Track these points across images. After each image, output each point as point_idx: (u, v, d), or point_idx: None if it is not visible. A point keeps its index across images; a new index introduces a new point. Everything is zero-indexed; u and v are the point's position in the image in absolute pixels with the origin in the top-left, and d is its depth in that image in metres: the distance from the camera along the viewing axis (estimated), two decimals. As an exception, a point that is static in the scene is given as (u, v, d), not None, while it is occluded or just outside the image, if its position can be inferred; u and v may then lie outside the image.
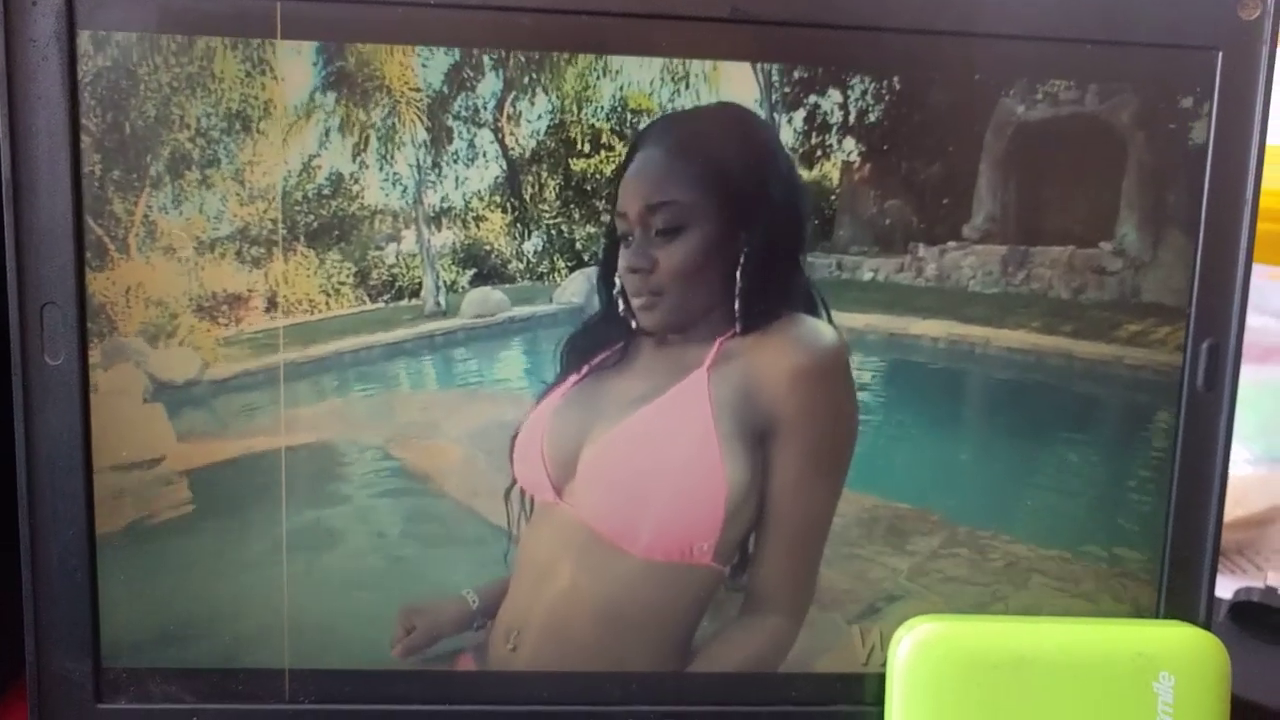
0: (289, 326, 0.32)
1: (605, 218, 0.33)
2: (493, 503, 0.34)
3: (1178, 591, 0.34)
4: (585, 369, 0.34)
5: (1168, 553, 0.34)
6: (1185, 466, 0.34)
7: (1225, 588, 0.42)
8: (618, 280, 0.33)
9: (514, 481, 0.34)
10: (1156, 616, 0.35)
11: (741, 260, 0.33)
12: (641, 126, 0.32)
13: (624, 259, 0.33)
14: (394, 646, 0.33)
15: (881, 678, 0.34)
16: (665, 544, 0.34)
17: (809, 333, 0.33)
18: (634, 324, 0.33)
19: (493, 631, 0.34)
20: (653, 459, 0.33)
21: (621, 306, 0.33)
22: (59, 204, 0.31)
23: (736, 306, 0.33)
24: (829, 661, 0.34)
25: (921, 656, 0.33)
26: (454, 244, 0.32)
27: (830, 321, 0.33)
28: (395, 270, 0.32)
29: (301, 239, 0.32)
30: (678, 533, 0.33)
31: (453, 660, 0.34)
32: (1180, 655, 0.33)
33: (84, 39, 0.30)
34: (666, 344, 0.34)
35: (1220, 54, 0.32)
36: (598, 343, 0.33)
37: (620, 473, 0.33)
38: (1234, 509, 0.49)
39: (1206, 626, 0.34)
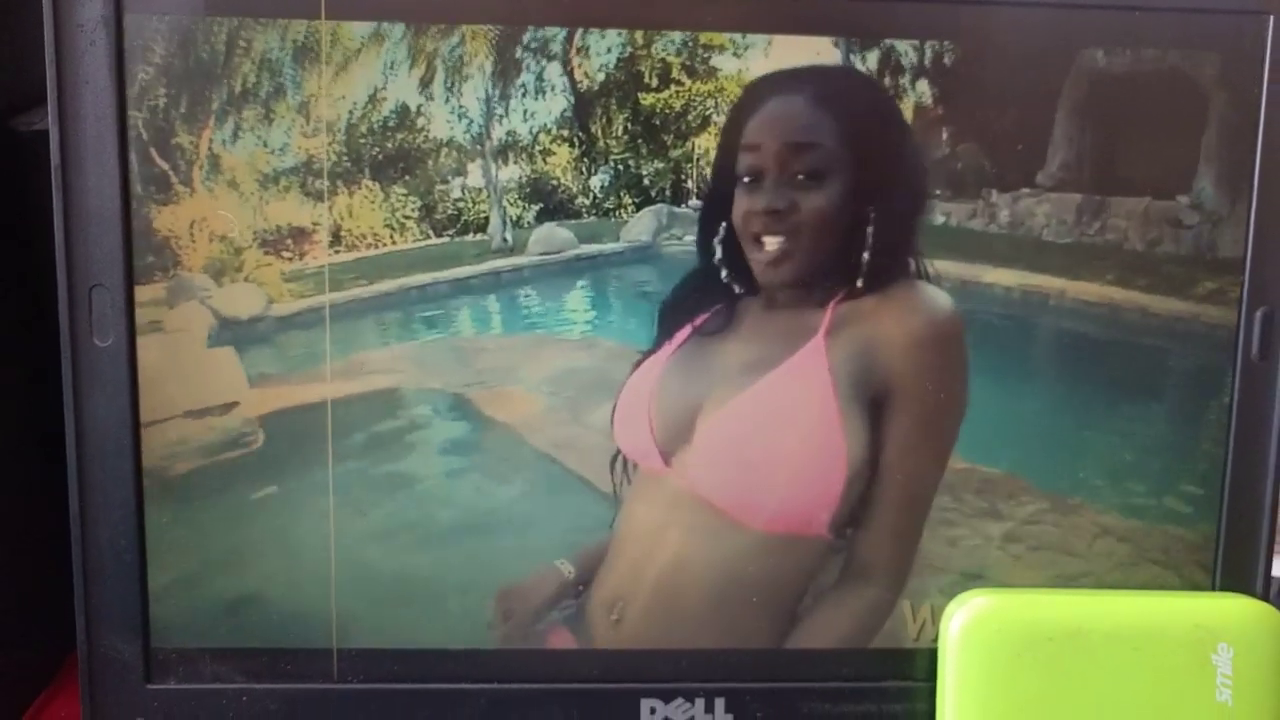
0: (354, 261, 0.32)
1: (675, 153, 0.32)
2: (578, 456, 0.33)
3: (1234, 564, 0.34)
4: (688, 331, 0.33)
5: (1224, 525, 0.34)
6: (1240, 438, 0.33)
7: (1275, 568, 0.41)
8: (718, 246, 0.32)
9: (618, 451, 0.33)
10: (1213, 589, 0.34)
11: (872, 216, 0.32)
12: (714, 63, 0.31)
13: (751, 200, 0.32)
14: (492, 629, 0.33)
15: (933, 653, 0.33)
16: (786, 517, 0.33)
17: (928, 299, 0.33)
18: (746, 282, 0.32)
19: (591, 602, 0.33)
20: (772, 431, 0.33)
21: (724, 272, 0.33)
22: (107, 187, 0.31)
23: (865, 261, 0.32)
24: (880, 637, 0.34)
25: (974, 630, 0.32)
26: (520, 179, 0.32)
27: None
28: (461, 205, 0.32)
29: (366, 172, 0.31)
30: (799, 506, 0.33)
31: (546, 633, 0.34)
32: (1238, 626, 0.32)
33: (132, 22, 0.30)
34: (775, 306, 0.33)
35: (1271, 19, 0.32)
36: (698, 305, 0.33)
37: (739, 445, 0.33)
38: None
39: (1264, 598, 0.34)
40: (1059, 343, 0.33)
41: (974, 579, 0.34)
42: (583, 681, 0.33)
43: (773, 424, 0.33)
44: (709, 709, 0.34)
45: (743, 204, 0.32)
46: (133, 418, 0.32)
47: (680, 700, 0.34)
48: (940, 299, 0.33)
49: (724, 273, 0.33)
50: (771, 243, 0.32)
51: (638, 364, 0.33)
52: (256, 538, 0.32)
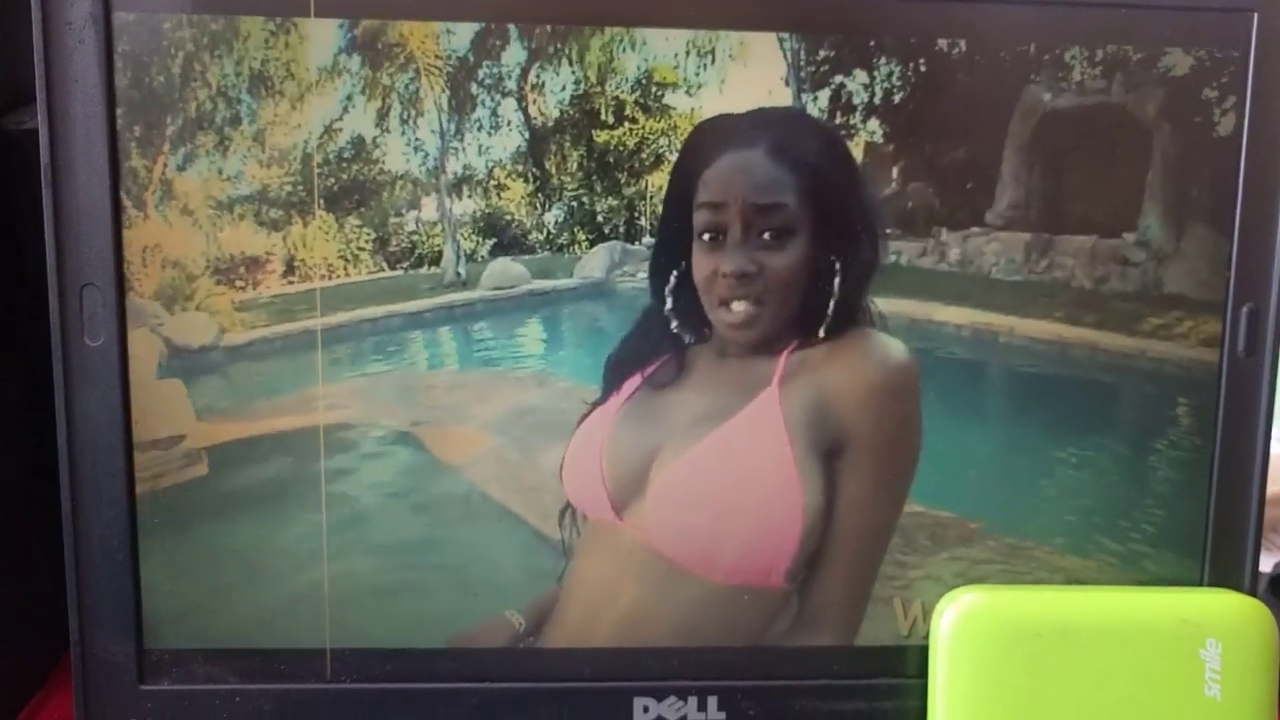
0: (306, 292, 0.32)
1: (629, 191, 0.32)
2: (525, 501, 0.33)
3: (1222, 560, 0.34)
4: (638, 380, 0.33)
5: (1211, 520, 0.34)
6: (1228, 433, 0.34)
7: (1262, 563, 0.42)
8: (669, 296, 0.33)
9: (567, 503, 0.33)
10: (1201, 585, 0.34)
11: (838, 268, 0.32)
12: (666, 100, 0.32)
13: (716, 261, 0.32)
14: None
15: (924, 649, 0.33)
16: (745, 569, 0.33)
17: (882, 347, 0.33)
18: (698, 332, 0.33)
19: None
20: (728, 482, 0.33)
21: (674, 322, 0.33)
22: (97, 186, 0.31)
23: (830, 313, 0.32)
24: (871, 635, 0.34)
25: (965, 627, 0.32)
26: (475, 213, 0.32)
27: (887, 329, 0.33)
28: (415, 237, 0.32)
29: (321, 203, 0.32)
30: (757, 557, 0.33)
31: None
32: (1227, 622, 0.32)
33: (120, 21, 0.30)
34: (727, 355, 0.33)
35: (1255, 15, 0.32)
36: (648, 354, 0.33)
37: (695, 497, 0.33)
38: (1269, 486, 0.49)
39: (1252, 594, 0.34)
40: (1009, 381, 0.34)
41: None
42: (575, 680, 0.34)
43: (728, 475, 0.33)
44: (701, 707, 0.34)
45: (705, 264, 0.32)
46: (124, 416, 0.31)
47: (673, 698, 0.34)
48: (894, 347, 0.33)
49: (674, 323, 0.33)
50: (739, 306, 0.32)
51: (586, 415, 0.33)
52: (245, 540, 0.32)
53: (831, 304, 0.32)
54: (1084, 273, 0.33)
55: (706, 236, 0.32)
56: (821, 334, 0.33)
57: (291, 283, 0.32)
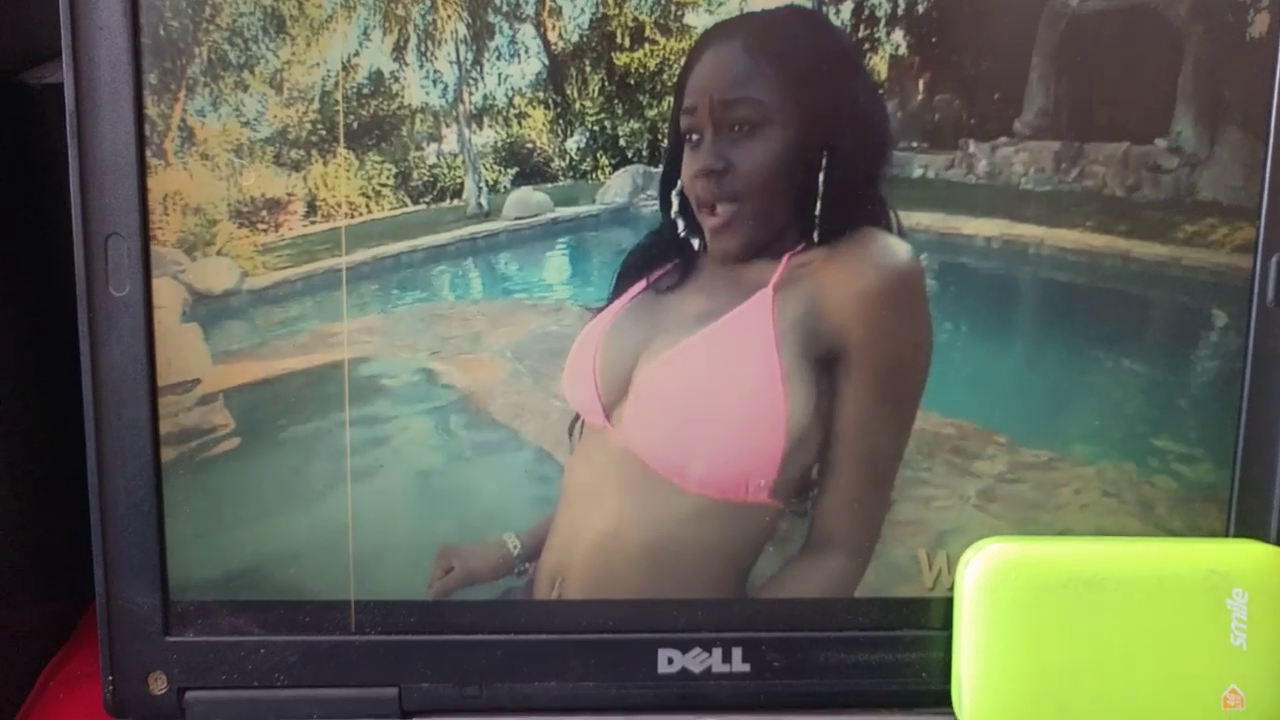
0: (329, 231, 0.32)
1: (651, 113, 0.32)
2: (537, 423, 0.33)
3: (1248, 510, 0.34)
4: (643, 284, 0.33)
5: (1238, 471, 0.34)
6: (1255, 382, 0.33)
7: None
8: (675, 199, 0.32)
9: (577, 415, 0.33)
10: (1227, 535, 0.34)
11: (824, 165, 0.31)
12: (687, 20, 0.31)
13: (692, 162, 0.32)
14: (430, 586, 0.33)
15: (949, 601, 0.33)
16: (719, 480, 0.32)
17: (883, 249, 0.32)
18: (696, 245, 0.32)
19: (536, 576, 0.33)
20: (709, 385, 0.32)
21: (681, 226, 0.32)
22: (122, 135, 0.31)
23: (817, 213, 0.32)
24: (895, 586, 0.34)
25: (991, 578, 0.32)
26: (495, 143, 0.32)
27: (903, 236, 0.32)
28: (437, 171, 0.32)
29: (341, 140, 0.31)
30: (733, 468, 0.32)
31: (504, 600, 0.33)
32: (1253, 571, 0.32)
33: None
34: (730, 260, 0.32)
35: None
36: (655, 259, 0.32)
37: (673, 398, 0.32)
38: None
39: (1278, 544, 0.34)
40: (1039, 293, 0.33)
41: (944, 542, 0.33)
42: (599, 632, 0.34)
43: (709, 377, 0.32)
44: (726, 658, 0.34)
45: (688, 169, 0.32)
46: (149, 367, 0.31)
47: (697, 650, 0.34)
48: (898, 249, 0.32)
49: (680, 227, 0.32)
50: (721, 209, 0.32)
51: (591, 316, 0.32)
52: (268, 486, 0.32)
53: (818, 203, 0.32)
54: (1115, 181, 0.32)
55: (690, 140, 0.32)
56: (816, 236, 0.32)
57: (314, 223, 0.32)
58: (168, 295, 0.31)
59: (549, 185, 0.32)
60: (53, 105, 0.31)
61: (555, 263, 0.33)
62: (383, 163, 0.32)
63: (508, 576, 0.33)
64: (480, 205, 0.32)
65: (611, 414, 0.33)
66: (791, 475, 0.33)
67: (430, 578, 0.33)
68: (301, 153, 0.31)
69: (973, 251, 0.33)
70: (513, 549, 0.33)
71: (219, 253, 0.32)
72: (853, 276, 0.32)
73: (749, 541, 0.33)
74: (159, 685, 0.33)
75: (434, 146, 0.32)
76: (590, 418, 0.33)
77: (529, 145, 0.32)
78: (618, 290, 0.33)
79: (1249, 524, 0.34)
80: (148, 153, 0.31)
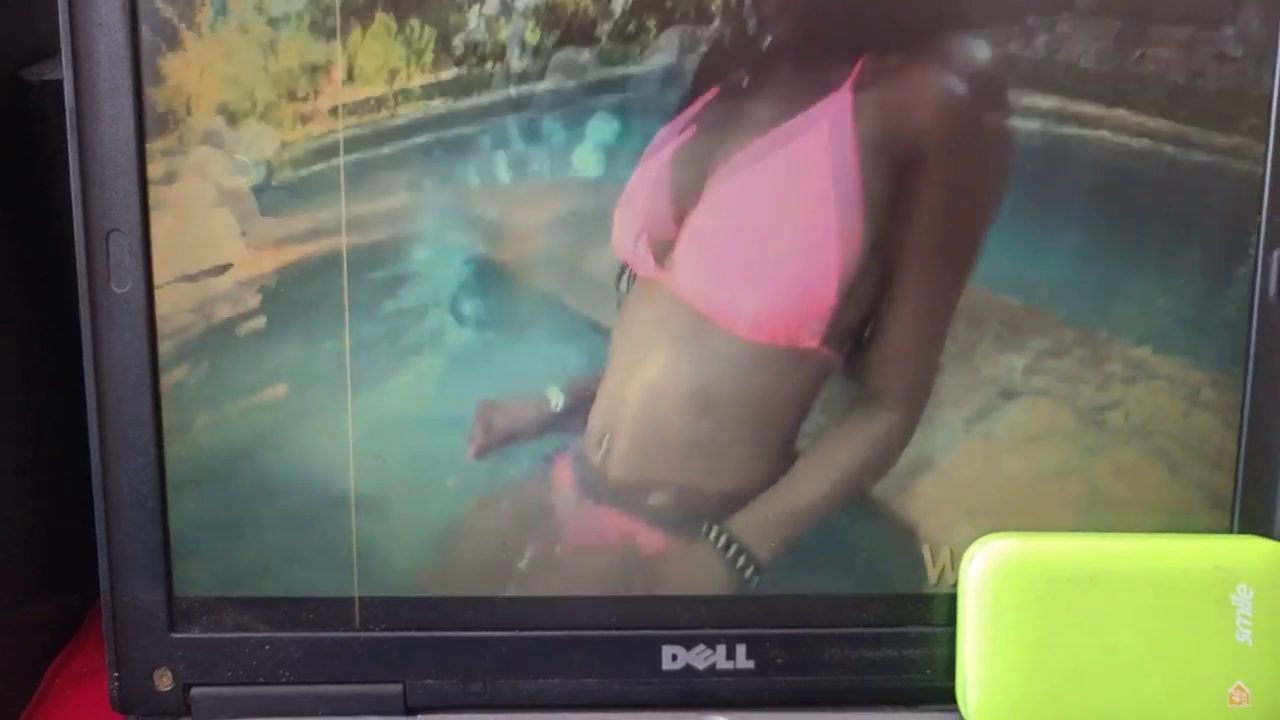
0: (368, 99, 0.31)
1: None
2: (579, 289, 0.31)
3: (1252, 506, 0.34)
4: (699, 107, 0.30)
5: (1242, 465, 0.34)
6: (1258, 377, 0.33)
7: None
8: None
9: (624, 266, 0.31)
10: (1231, 531, 0.34)
11: None
12: None
13: None
14: (471, 443, 0.32)
15: (953, 597, 0.33)
16: (773, 322, 0.31)
17: (967, 51, 0.30)
18: (777, 31, 0.29)
19: (585, 438, 0.32)
20: (767, 215, 0.30)
21: (752, 24, 0.30)
22: (122, 131, 0.30)
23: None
24: (899, 583, 0.34)
25: (994, 574, 0.32)
26: (538, 3, 0.30)
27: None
28: (478, 34, 0.30)
29: (379, 4, 0.30)
30: (787, 310, 0.31)
31: (549, 467, 0.32)
32: (1258, 567, 0.32)
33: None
34: (804, 62, 0.30)
35: None
36: (715, 73, 0.30)
37: (729, 233, 0.30)
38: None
39: (1283, 540, 0.34)
40: (1095, 174, 0.32)
41: (998, 406, 0.32)
42: (603, 628, 0.34)
43: (768, 209, 0.30)
44: (730, 655, 0.34)
45: None
46: (152, 363, 0.31)
47: (701, 646, 0.34)
48: (981, 51, 0.30)
49: (752, 23, 0.30)
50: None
51: (642, 157, 0.31)
52: (276, 472, 0.32)
53: None
54: (1179, 65, 0.31)
55: None
56: (895, 36, 0.30)
57: (353, 89, 0.30)
58: (208, 166, 0.31)
59: (593, 47, 0.31)
60: (53, 101, 0.31)
61: (599, 126, 0.31)
62: (423, 26, 0.30)
63: (549, 432, 0.32)
64: (523, 68, 0.31)
65: (663, 260, 0.31)
66: (845, 321, 0.31)
67: (471, 434, 0.32)
68: (340, 19, 0.30)
69: (1029, 128, 0.31)
70: (554, 405, 0.32)
71: (260, 118, 0.31)
72: (935, 79, 0.30)
73: (799, 393, 0.32)
74: (164, 681, 0.33)
75: (476, 8, 0.30)
76: (640, 267, 0.31)
77: (573, 6, 0.30)
78: (666, 136, 0.31)
79: (1253, 519, 0.34)
80: (179, 24, 0.30)
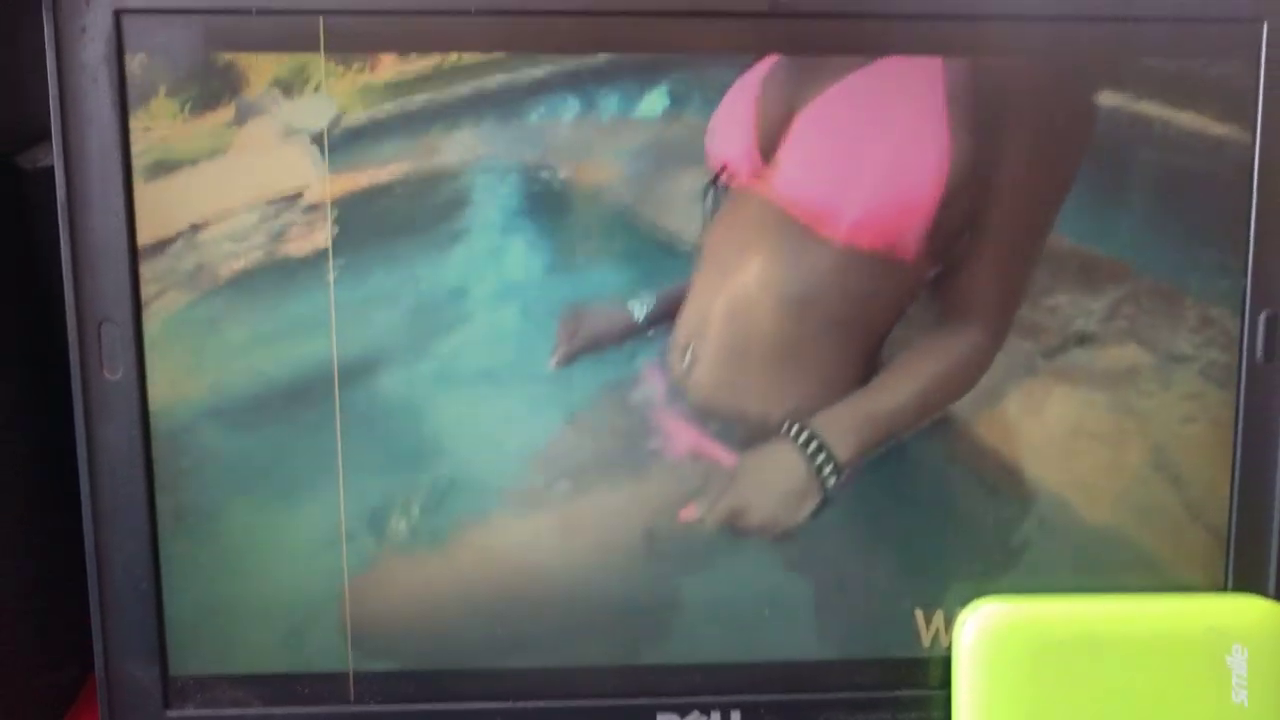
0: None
1: None
2: (660, 206, 0.32)
3: (1246, 564, 0.34)
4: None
5: (1234, 525, 0.34)
6: (1247, 438, 0.33)
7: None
8: None
9: (715, 175, 0.31)
10: (1225, 589, 0.34)
11: None
12: None
13: None
14: (555, 350, 0.32)
15: (946, 661, 0.33)
16: (871, 228, 0.31)
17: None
18: None
19: (669, 348, 0.32)
20: (872, 121, 0.31)
21: None
22: (113, 223, 0.31)
23: None
24: (892, 646, 0.34)
25: (987, 638, 0.32)
26: None
27: None
28: None
29: None
30: (887, 216, 0.31)
31: (637, 377, 0.32)
32: (1252, 628, 0.32)
33: (133, 61, 0.31)
34: None
35: (1265, 25, 0.32)
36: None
37: (833, 138, 0.31)
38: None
39: (1277, 598, 0.33)
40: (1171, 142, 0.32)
41: (1074, 347, 0.33)
42: (599, 696, 0.34)
43: (873, 114, 0.31)
44: (724, 721, 0.34)
45: None
46: (144, 448, 0.32)
47: (696, 714, 0.34)
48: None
49: None
50: None
51: (746, 70, 0.31)
52: (268, 550, 0.33)
53: None
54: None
55: None
56: None
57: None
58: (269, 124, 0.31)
59: None
60: (46, 188, 0.32)
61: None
62: None
63: (636, 339, 0.32)
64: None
65: (760, 168, 0.31)
66: (941, 236, 0.32)
67: (555, 341, 0.32)
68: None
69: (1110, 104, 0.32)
70: (636, 315, 0.32)
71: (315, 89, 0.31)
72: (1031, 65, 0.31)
73: (888, 304, 0.32)
74: (161, 759, 0.33)
75: None
76: (737, 174, 0.31)
77: None
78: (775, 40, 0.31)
79: (1247, 578, 0.34)
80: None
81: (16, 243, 0.36)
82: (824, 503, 0.33)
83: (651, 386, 0.32)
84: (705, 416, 0.32)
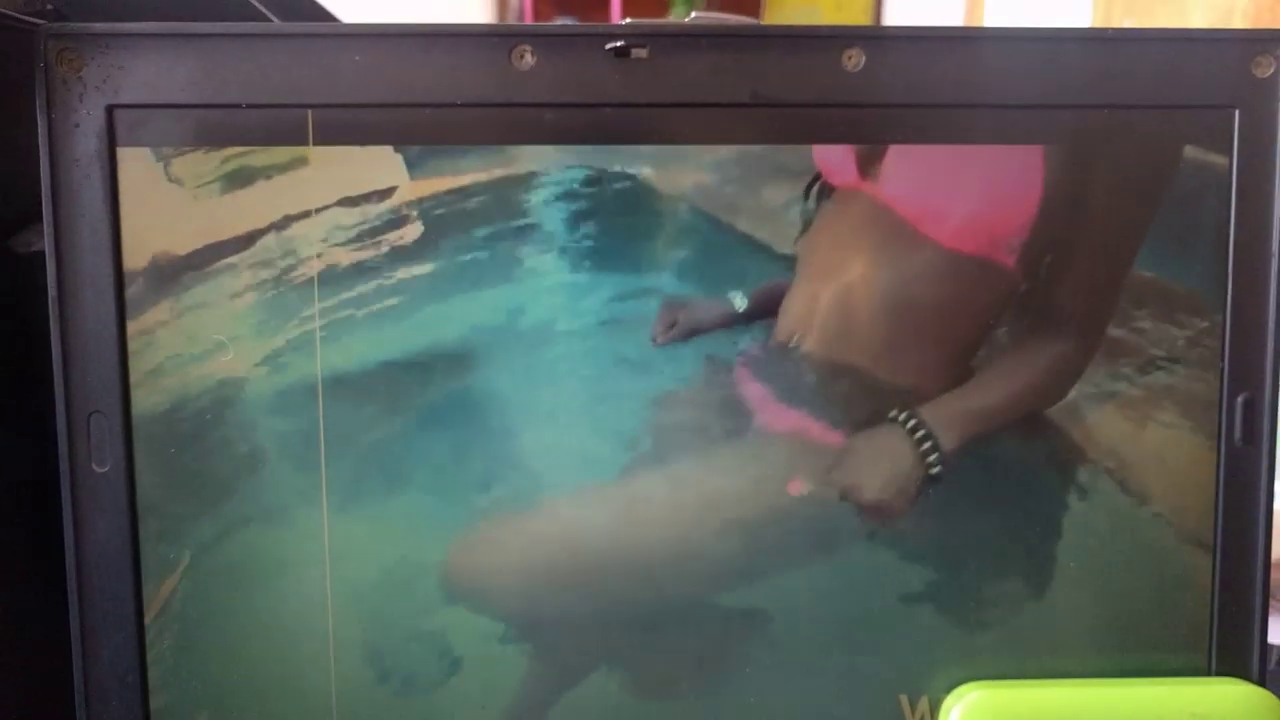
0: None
1: None
2: (751, 216, 0.33)
3: (1229, 647, 0.34)
4: None
5: (1216, 607, 0.34)
6: (1228, 521, 0.34)
7: (1273, 630, 0.42)
8: None
9: (816, 177, 0.33)
10: (1209, 673, 0.34)
11: None
12: None
13: None
14: (654, 338, 0.33)
15: (933, 748, 0.33)
16: (973, 232, 0.33)
17: None
18: None
19: (772, 339, 0.33)
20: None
21: None
22: (104, 315, 0.31)
23: None
24: (879, 732, 0.34)
25: (973, 725, 0.32)
26: None
27: None
28: None
29: None
30: (989, 219, 0.33)
31: (733, 366, 0.33)
32: (1235, 713, 0.32)
33: (124, 155, 0.31)
34: None
35: (1236, 113, 0.33)
36: None
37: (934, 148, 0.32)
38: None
39: (1261, 682, 0.34)
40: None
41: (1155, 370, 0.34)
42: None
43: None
44: (713, 809, 0.34)
45: None
46: (133, 541, 0.32)
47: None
48: None
49: None
50: None
51: None
52: (257, 644, 0.33)
53: None
54: None
55: None
56: None
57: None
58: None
59: None
60: (37, 272, 0.32)
61: None
62: None
63: (736, 330, 0.33)
64: None
65: (868, 169, 0.33)
66: (1038, 245, 0.33)
67: (654, 330, 0.33)
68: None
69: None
70: (738, 306, 0.33)
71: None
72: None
73: (986, 308, 0.33)
74: None
75: None
76: (841, 177, 0.33)
77: None
78: None
79: (1230, 662, 0.34)
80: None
81: (8, 329, 0.36)
82: (928, 487, 0.34)
83: (751, 371, 0.34)
84: (807, 404, 0.34)
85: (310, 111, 0.31)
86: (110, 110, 0.31)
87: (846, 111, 0.32)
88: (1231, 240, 0.33)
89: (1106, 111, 0.33)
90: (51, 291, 0.31)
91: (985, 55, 0.33)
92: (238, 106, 0.31)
